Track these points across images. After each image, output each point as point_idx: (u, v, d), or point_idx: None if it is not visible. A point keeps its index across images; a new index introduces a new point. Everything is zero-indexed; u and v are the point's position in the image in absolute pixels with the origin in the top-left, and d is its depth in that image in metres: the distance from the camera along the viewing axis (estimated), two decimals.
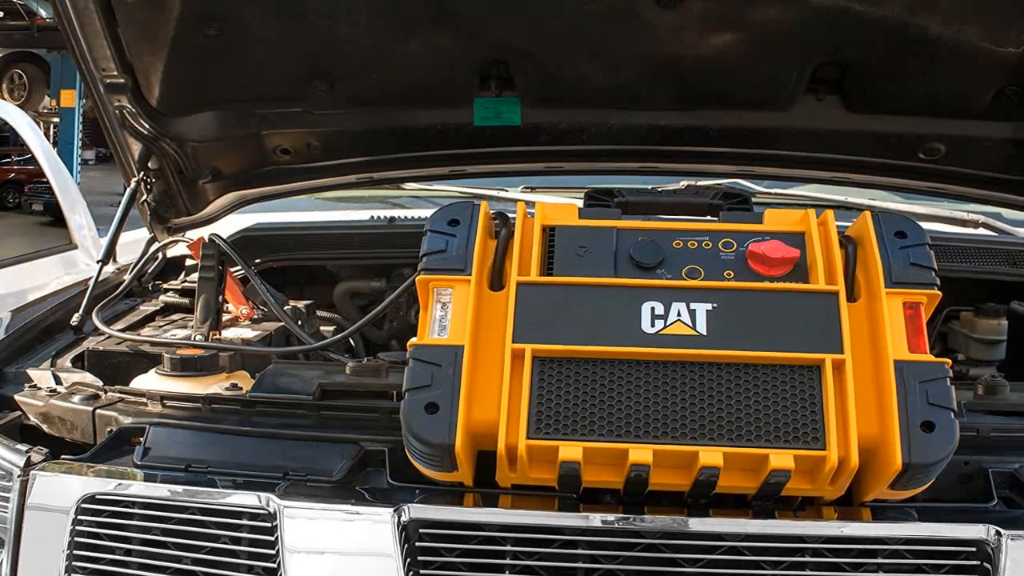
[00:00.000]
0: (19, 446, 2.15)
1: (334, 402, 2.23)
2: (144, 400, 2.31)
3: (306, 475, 2.06)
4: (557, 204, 2.15)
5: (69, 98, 19.42)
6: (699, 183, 3.70)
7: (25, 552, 2.06)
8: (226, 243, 2.84)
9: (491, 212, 2.09)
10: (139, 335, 2.73)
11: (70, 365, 2.60)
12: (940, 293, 1.91)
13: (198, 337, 2.70)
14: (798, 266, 1.94)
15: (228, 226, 3.44)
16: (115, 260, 3.25)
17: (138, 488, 2.04)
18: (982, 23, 2.46)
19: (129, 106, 2.80)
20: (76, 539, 2.02)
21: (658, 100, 2.87)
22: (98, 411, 2.29)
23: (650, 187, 3.62)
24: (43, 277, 3.53)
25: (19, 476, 2.08)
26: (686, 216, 2.19)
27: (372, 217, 3.84)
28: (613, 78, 2.78)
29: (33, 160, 4.40)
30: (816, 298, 1.89)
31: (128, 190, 3.06)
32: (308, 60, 2.77)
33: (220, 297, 2.82)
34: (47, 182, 4.29)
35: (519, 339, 1.86)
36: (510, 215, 2.08)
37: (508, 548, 1.88)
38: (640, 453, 1.77)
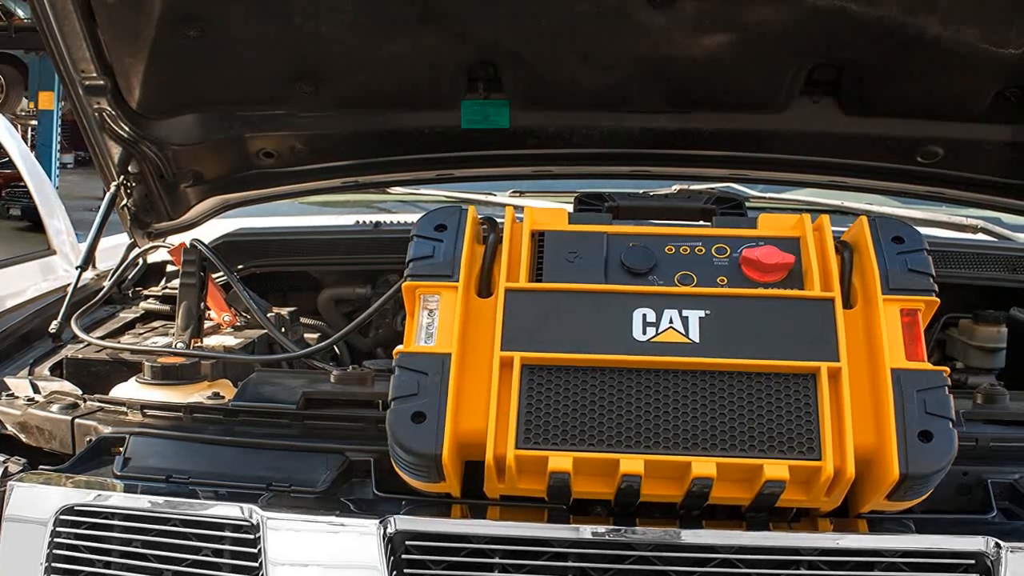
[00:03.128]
0: None
1: (318, 411, 2.22)
2: (124, 409, 2.29)
3: (290, 486, 2.05)
4: (546, 209, 2.13)
5: (47, 100, 19.36)
6: (692, 187, 3.69)
7: (2, 564, 2.04)
8: (208, 249, 2.82)
9: (479, 217, 2.08)
10: (119, 343, 2.71)
11: (48, 373, 2.58)
12: (938, 300, 1.90)
13: (179, 345, 2.68)
14: (793, 272, 1.94)
15: (210, 231, 3.41)
16: (94, 266, 3.22)
17: (118, 499, 2.03)
18: (981, 24, 2.44)
19: (109, 108, 2.76)
20: (54, 551, 2.00)
21: (650, 102, 2.84)
22: (77, 420, 2.26)
23: (642, 191, 3.59)
24: (21, 283, 3.48)
25: None
26: (678, 221, 2.17)
27: (357, 222, 3.81)
28: (604, 80, 2.76)
29: (10, 164, 4.34)
30: (811, 305, 1.88)
31: (108, 194, 3.02)
32: (292, 61, 2.73)
33: (202, 304, 2.79)
34: (24, 186, 4.25)
35: (507, 347, 1.85)
36: (498, 220, 2.07)
37: (496, 561, 1.87)
38: (631, 463, 1.75)
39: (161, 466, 2.11)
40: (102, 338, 2.72)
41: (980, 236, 3.88)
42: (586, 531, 1.86)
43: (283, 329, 2.88)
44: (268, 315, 2.82)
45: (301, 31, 2.61)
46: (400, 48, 2.67)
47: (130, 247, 3.19)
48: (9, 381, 2.49)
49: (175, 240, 3.15)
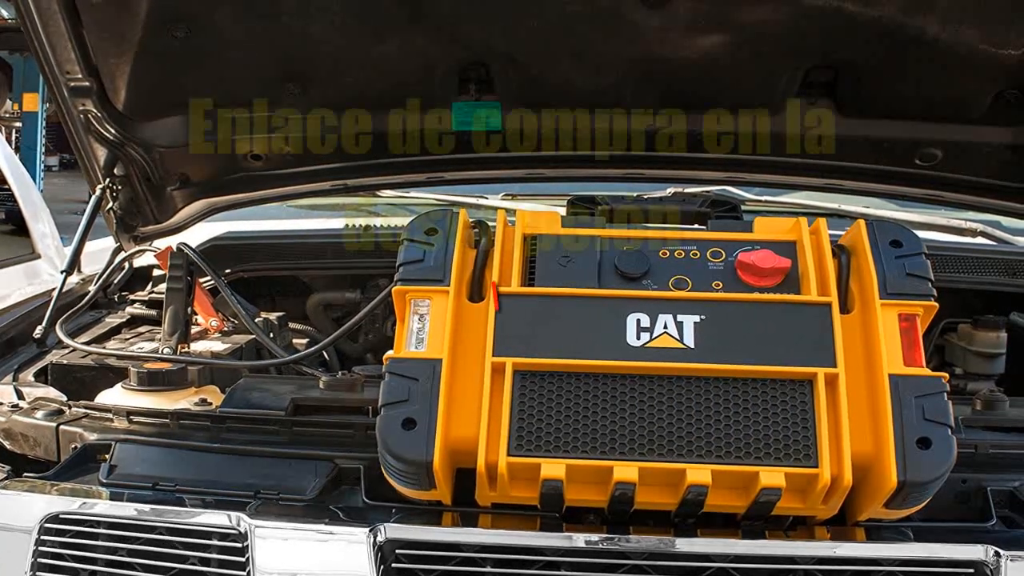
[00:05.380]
0: None
1: (307, 418, 2.21)
2: (110, 416, 2.28)
3: (278, 493, 2.04)
4: (539, 212, 2.11)
5: (32, 102, 19.28)
6: (686, 190, 3.67)
7: None
8: (195, 252, 2.80)
9: (470, 220, 2.07)
10: (105, 348, 2.70)
11: (33, 379, 2.56)
12: (937, 304, 1.89)
13: (166, 350, 2.66)
14: (789, 276, 1.93)
15: (197, 235, 3.39)
16: (80, 270, 3.22)
17: (103, 507, 2.02)
18: (980, 24, 2.43)
19: (94, 110, 2.73)
20: (39, 560, 1.99)
21: (644, 104, 2.82)
22: (62, 427, 2.25)
23: (635, 194, 3.57)
24: (5, 288, 3.46)
25: None
26: (673, 224, 2.16)
27: (347, 225, 3.78)
28: (597, 81, 2.74)
29: None
30: (808, 310, 1.87)
31: (93, 198, 2.99)
32: (280, 62, 2.71)
33: (189, 309, 2.78)
34: (9, 189, 4.23)
35: (499, 352, 1.84)
36: (490, 223, 2.06)
37: (488, 569, 1.86)
38: (625, 471, 1.75)
39: (147, 473, 2.10)
40: (88, 343, 2.71)
41: (979, 240, 3.85)
42: (579, 539, 1.85)
43: (271, 334, 2.86)
44: (256, 320, 2.81)
45: (289, 31, 2.58)
46: (390, 49, 2.65)
47: (116, 251, 3.16)
48: None
49: (162, 244, 3.13)
